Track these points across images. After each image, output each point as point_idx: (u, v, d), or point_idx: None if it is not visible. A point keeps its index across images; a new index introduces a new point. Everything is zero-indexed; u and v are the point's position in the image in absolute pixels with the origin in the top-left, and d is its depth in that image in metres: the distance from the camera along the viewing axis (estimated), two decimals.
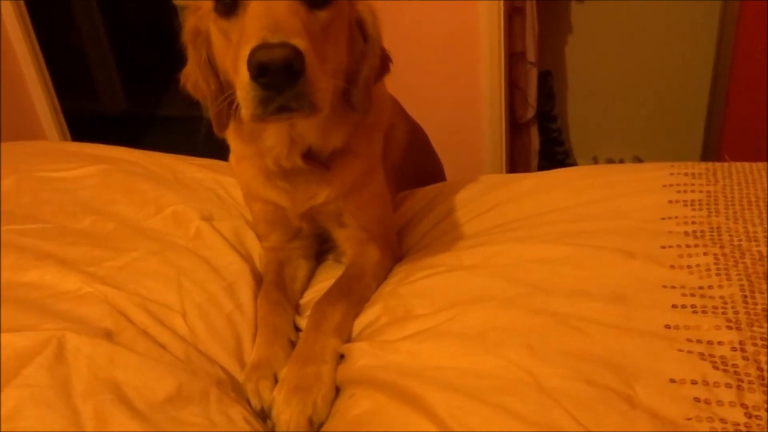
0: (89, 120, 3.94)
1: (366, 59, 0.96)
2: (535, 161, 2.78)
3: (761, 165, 1.08)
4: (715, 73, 2.32)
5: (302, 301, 1.10)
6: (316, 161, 1.03)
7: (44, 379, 0.76)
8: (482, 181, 1.29)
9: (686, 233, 0.91)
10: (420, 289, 0.95)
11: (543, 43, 2.71)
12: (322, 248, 1.24)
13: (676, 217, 0.95)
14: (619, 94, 3.01)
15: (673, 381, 0.67)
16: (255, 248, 1.18)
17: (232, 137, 1.09)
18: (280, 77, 0.73)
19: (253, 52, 0.73)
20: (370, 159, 1.12)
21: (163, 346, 0.88)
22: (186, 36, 0.95)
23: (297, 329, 1.00)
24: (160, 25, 4.87)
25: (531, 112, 2.66)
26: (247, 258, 1.14)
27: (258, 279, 1.10)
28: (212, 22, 0.88)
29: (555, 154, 3.06)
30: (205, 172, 1.39)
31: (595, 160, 3.14)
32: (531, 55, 2.54)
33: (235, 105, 0.91)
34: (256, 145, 1.01)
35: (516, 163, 2.74)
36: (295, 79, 0.74)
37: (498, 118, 2.45)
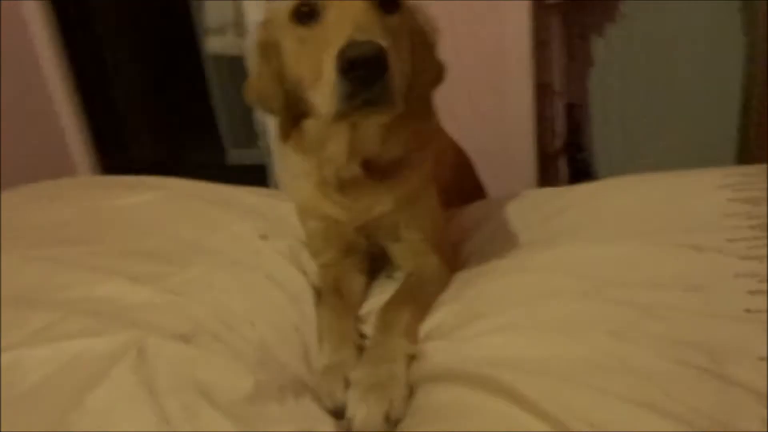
0: (119, 170, 4.03)
1: (425, 66, 1.00)
2: None
3: None
4: (745, 99, 2.34)
5: (361, 313, 1.11)
6: (375, 171, 1.06)
7: (130, 379, 0.77)
8: (531, 195, 1.31)
9: (752, 227, 0.91)
10: (486, 292, 0.95)
11: (568, 76, 2.76)
12: (374, 266, 1.25)
13: (739, 214, 0.96)
14: (646, 122, 3.03)
15: (762, 358, 0.67)
16: (310, 267, 1.20)
17: (289, 152, 1.12)
18: (368, 72, 0.78)
19: (344, 49, 0.77)
20: (424, 171, 1.14)
21: (236, 351, 0.89)
22: (257, 49, 1.00)
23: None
24: (190, 77, 5.03)
25: (559, 142, 2.69)
26: (305, 275, 1.15)
27: (317, 294, 1.11)
28: (288, 31, 0.93)
29: None
30: (257, 196, 1.43)
31: None
32: (557, 85, 2.59)
33: (304, 112, 0.95)
34: (316, 156, 1.04)
35: None
36: (381, 74, 0.78)
37: (527, 147, 2.48)
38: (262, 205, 1.40)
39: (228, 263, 1.12)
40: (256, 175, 3.01)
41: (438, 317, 0.95)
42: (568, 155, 2.87)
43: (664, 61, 2.92)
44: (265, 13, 1.01)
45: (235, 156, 4.62)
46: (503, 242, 1.15)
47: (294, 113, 1.00)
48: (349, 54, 0.77)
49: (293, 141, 1.05)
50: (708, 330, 0.73)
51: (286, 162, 1.16)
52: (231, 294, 1.02)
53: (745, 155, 2.40)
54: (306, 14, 0.89)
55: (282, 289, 1.07)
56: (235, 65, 3.14)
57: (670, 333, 0.73)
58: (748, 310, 0.75)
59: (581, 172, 3.08)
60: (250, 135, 3.20)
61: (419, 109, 1.01)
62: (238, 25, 2.95)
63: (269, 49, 0.98)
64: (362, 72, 0.78)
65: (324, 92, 0.81)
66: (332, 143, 1.01)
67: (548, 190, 1.35)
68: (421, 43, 1.00)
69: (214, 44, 3.15)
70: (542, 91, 2.56)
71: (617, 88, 3.06)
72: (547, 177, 2.74)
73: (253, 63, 1.02)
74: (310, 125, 1.01)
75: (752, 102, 2.33)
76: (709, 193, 1.05)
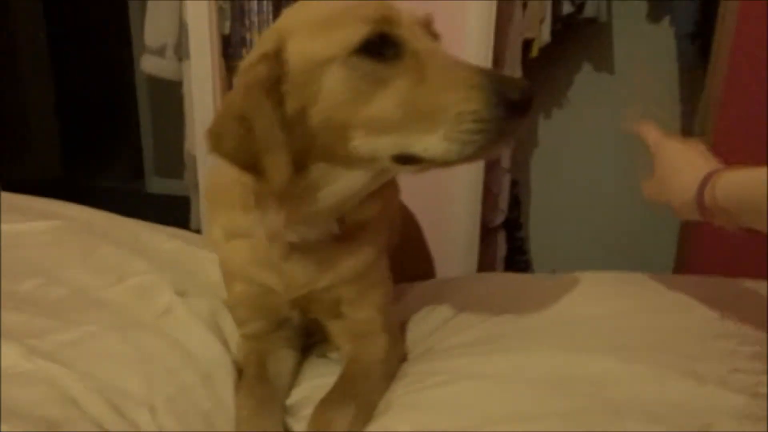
0: (20, 184, 3.63)
1: None
2: (501, 269, 2.71)
3: None
4: None
5: (289, 402, 0.91)
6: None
7: None
8: (490, 280, 1.17)
9: (751, 357, 0.80)
10: (440, 399, 0.79)
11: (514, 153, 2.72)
12: (306, 342, 1.07)
13: (734, 336, 0.85)
14: (584, 207, 3.04)
15: None
16: (233, 336, 1.00)
17: (224, 209, 0.95)
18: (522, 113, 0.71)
19: (503, 85, 0.71)
20: (379, 239, 0.98)
21: None
22: (249, 89, 0.75)
23: None
24: (110, 96, 4.70)
25: (501, 218, 2.62)
26: (225, 345, 0.95)
27: (238, 370, 0.91)
28: (345, 67, 0.74)
29: (517, 263, 3.00)
30: (177, 242, 1.21)
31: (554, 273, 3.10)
32: (505, 161, 2.54)
33: None
34: (289, 212, 0.85)
35: (483, 270, 2.65)
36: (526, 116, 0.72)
37: (473, 221, 2.39)
38: (183, 253, 1.18)
39: (126, 324, 0.90)
40: (177, 207, 2.79)
41: (386, 424, 0.78)
42: (506, 231, 2.81)
43: (603, 151, 2.96)
44: (267, 43, 0.79)
45: (157, 184, 4.34)
46: (457, 333, 0.99)
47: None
48: (512, 96, 0.70)
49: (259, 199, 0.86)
50: None
51: (219, 220, 0.97)
52: (126, 367, 0.81)
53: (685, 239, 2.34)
54: (379, 47, 0.75)
55: (193, 363, 0.87)
56: (169, 89, 2.94)
57: None
58: None
59: (517, 249, 3.03)
60: (176, 165, 2.97)
61: None
62: (178, 48, 2.74)
63: (273, 89, 0.76)
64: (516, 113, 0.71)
65: (453, 128, 0.71)
66: (323, 197, 0.83)
67: (511, 276, 1.22)
68: None
69: (149, 64, 2.91)
70: (490, 166, 2.50)
71: (558, 170, 3.07)
72: (486, 252, 2.65)
73: (228, 105, 0.79)
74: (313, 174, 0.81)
75: None
76: (689, 306, 0.94)
